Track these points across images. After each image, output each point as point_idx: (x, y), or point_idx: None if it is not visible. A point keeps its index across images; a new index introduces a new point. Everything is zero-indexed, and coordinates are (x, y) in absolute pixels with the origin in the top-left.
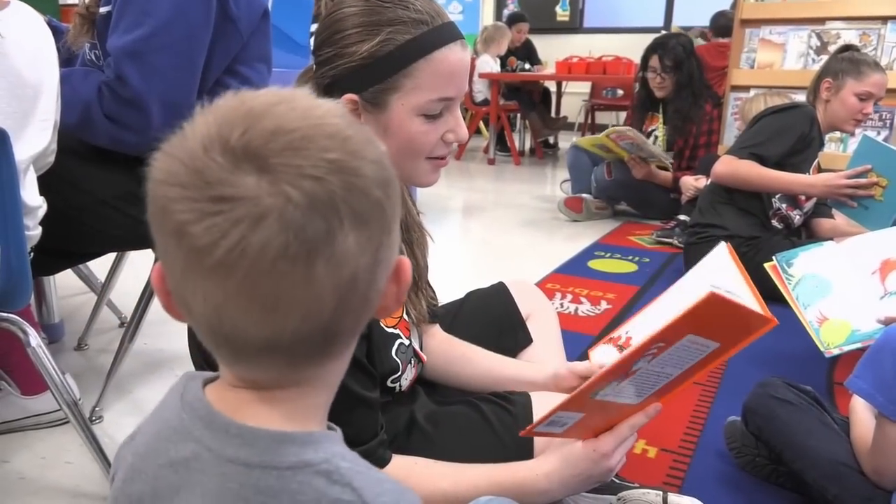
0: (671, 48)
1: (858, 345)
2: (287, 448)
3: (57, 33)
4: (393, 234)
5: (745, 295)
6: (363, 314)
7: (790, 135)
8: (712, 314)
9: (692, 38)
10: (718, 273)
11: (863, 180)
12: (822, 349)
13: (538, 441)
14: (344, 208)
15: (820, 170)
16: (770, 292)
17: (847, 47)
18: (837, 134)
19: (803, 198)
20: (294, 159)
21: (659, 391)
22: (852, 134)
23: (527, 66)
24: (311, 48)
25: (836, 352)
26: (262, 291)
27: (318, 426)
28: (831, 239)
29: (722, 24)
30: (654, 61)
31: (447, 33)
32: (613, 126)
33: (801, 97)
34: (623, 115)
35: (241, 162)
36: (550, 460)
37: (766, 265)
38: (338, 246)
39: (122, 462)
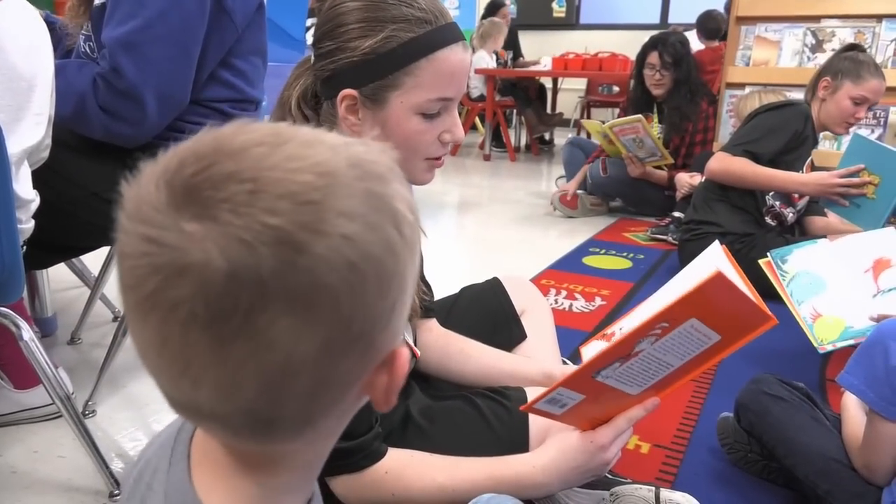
0: (671, 44)
1: (851, 341)
2: None
3: (52, 28)
4: (373, 329)
5: (745, 290)
6: (319, 403)
7: (784, 132)
8: (716, 298)
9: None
10: (699, 277)
11: (855, 179)
12: (815, 345)
13: (533, 435)
14: (274, 286)
15: (813, 167)
16: (764, 291)
17: (852, 46)
18: None
19: (797, 195)
20: (233, 215)
21: (658, 384)
22: (846, 133)
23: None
24: (310, 41)
25: (829, 348)
26: (171, 351)
27: (290, 500)
28: (824, 237)
29: (711, 28)
30: (653, 58)
31: (450, 34)
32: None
33: (795, 95)
34: (618, 111)
35: (182, 205)
36: (547, 453)
37: (761, 261)
38: (260, 328)
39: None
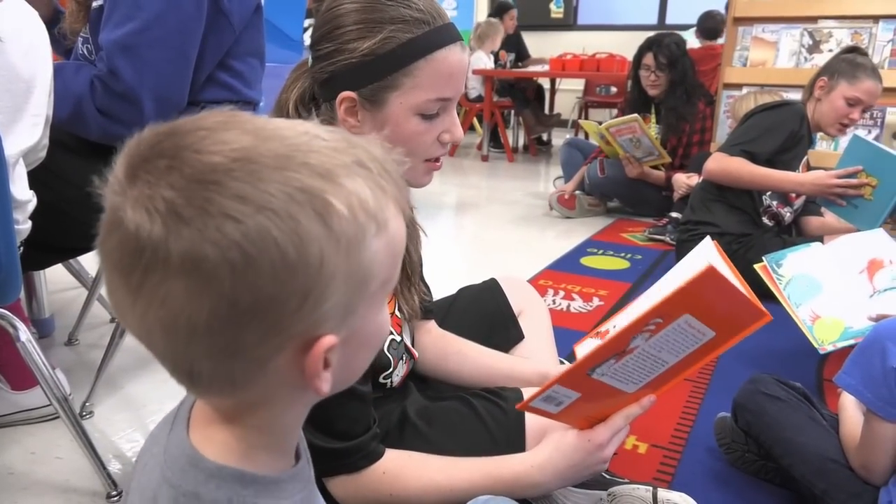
0: (665, 45)
1: (852, 341)
2: (194, 473)
3: (58, 15)
4: (270, 310)
5: (737, 285)
6: (235, 368)
7: (781, 132)
8: (709, 292)
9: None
10: (691, 272)
11: (853, 180)
12: (816, 346)
13: (529, 436)
14: (163, 251)
15: (809, 167)
16: (761, 292)
17: (853, 48)
18: None
19: (794, 195)
20: (147, 186)
21: (654, 381)
22: (839, 135)
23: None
24: (308, 42)
25: (830, 348)
26: (110, 293)
27: (268, 460)
28: (819, 238)
29: (709, 27)
30: (648, 59)
31: (448, 34)
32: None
33: (793, 95)
34: (616, 112)
35: (130, 175)
36: (544, 452)
37: (756, 266)
38: (154, 284)
39: None
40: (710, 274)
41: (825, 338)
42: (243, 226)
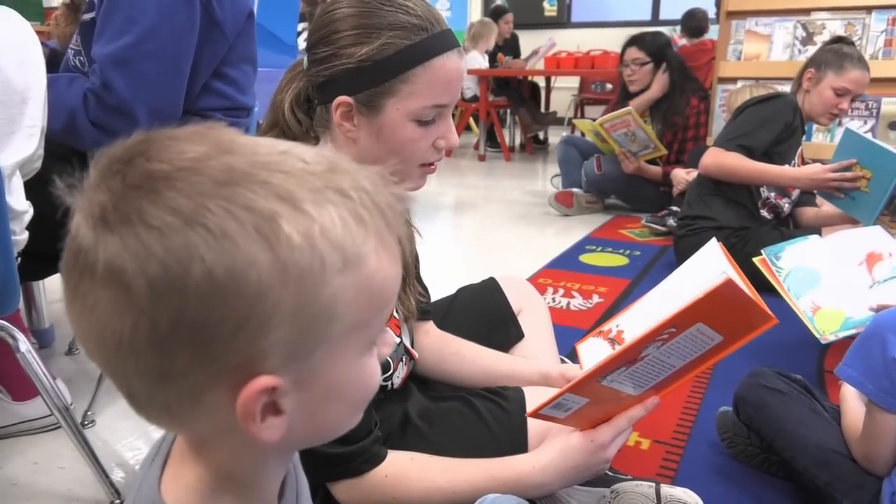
0: (646, 41)
1: (853, 331)
2: None
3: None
4: (199, 336)
5: (749, 293)
6: (168, 396)
7: (775, 123)
8: (725, 303)
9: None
10: (712, 269)
11: (848, 174)
12: (818, 336)
13: (531, 436)
14: (92, 257)
15: (803, 158)
16: (760, 284)
17: (839, 38)
18: None
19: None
20: (94, 190)
21: (658, 384)
22: (839, 124)
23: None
24: (304, 46)
25: (831, 338)
26: (64, 299)
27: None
28: (817, 230)
29: (693, 26)
30: (628, 54)
31: (446, 41)
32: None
33: (787, 88)
34: (607, 109)
35: (96, 172)
36: (547, 453)
37: (756, 259)
38: (83, 291)
39: None
40: (729, 286)
41: (826, 328)
42: (167, 239)
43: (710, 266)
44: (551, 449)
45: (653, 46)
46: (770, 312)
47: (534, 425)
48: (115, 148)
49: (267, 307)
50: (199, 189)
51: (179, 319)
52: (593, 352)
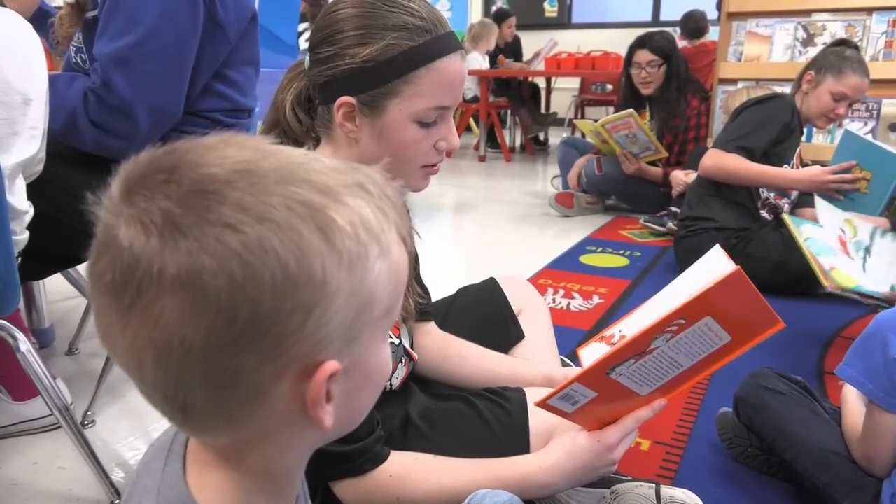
0: (656, 42)
1: (858, 296)
2: None
3: (47, 16)
4: (272, 329)
5: None
6: (230, 398)
7: (774, 124)
8: (734, 295)
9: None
10: (717, 271)
11: (848, 175)
12: (823, 283)
13: (533, 436)
14: (159, 265)
15: (802, 159)
16: (760, 285)
17: (842, 41)
18: None
19: None
20: (142, 199)
21: (666, 385)
22: (839, 126)
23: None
24: (306, 45)
25: (837, 292)
26: (98, 320)
27: None
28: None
29: (692, 28)
30: (640, 56)
31: (449, 43)
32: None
33: (788, 90)
34: (612, 110)
35: (126, 193)
36: (553, 454)
37: (784, 215)
38: (148, 302)
39: None
40: (738, 276)
41: (838, 282)
42: (243, 235)
43: (713, 270)
44: (558, 449)
45: (664, 47)
46: (777, 316)
47: (536, 425)
48: (141, 161)
49: (330, 293)
50: (259, 188)
51: (255, 314)
52: (596, 357)
